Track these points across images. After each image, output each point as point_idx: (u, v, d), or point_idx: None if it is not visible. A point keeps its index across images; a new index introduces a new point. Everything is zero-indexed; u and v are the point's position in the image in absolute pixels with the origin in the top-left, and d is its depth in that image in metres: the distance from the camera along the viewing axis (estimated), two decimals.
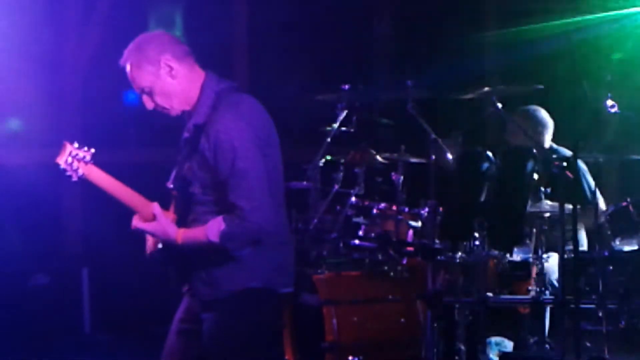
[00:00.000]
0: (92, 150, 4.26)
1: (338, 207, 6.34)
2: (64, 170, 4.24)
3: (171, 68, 4.21)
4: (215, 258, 4.16)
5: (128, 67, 4.24)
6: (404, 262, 6.01)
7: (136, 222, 4.23)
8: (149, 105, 4.27)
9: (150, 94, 4.23)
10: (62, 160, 4.24)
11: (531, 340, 6.14)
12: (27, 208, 8.05)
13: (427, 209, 5.83)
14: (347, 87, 6.51)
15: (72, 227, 8.58)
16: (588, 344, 5.86)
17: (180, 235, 4.16)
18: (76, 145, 4.26)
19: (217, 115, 4.16)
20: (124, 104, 8.47)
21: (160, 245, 4.25)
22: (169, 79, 4.22)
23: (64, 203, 8.48)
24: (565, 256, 5.49)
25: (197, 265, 4.22)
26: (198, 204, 4.22)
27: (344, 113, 6.51)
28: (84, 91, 8.54)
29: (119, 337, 8.07)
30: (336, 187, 6.47)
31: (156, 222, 4.18)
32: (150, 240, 4.34)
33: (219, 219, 4.10)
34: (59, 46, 8.46)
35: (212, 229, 4.09)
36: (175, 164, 4.33)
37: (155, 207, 4.19)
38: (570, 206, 5.40)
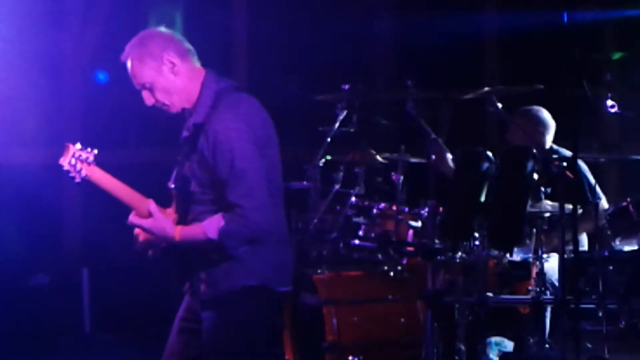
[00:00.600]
0: (95, 151, 4.27)
1: (338, 207, 6.34)
2: (67, 171, 4.25)
3: (173, 64, 4.22)
4: (214, 257, 4.17)
5: (129, 62, 4.24)
6: (404, 262, 6.01)
7: (132, 218, 4.23)
8: (149, 101, 4.27)
9: (151, 89, 4.23)
10: (65, 162, 4.24)
11: (531, 340, 6.13)
12: (28, 208, 8.04)
13: (427, 209, 5.83)
14: (347, 87, 6.51)
15: (72, 227, 8.57)
16: (588, 344, 5.86)
17: (178, 232, 4.17)
18: (79, 146, 4.26)
19: (216, 115, 4.16)
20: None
21: (162, 245, 4.26)
22: (171, 75, 4.22)
23: (64, 203, 8.48)
24: (565, 256, 5.49)
25: (196, 265, 4.23)
26: (197, 203, 4.23)
27: (344, 113, 6.51)
28: (84, 91, 8.54)
29: (119, 337, 8.07)
30: (336, 187, 6.47)
31: (152, 219, 4.18)
32: (140, 236, 4.34)
33: (218, 216, 4.10)
34: (59, 46, 8.46)
35: (211, 226, 4.10)
36: (176, 164, 4.33)
37: (151, 203, 4.20)
38: (570, 206, 5.40)
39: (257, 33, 9.04)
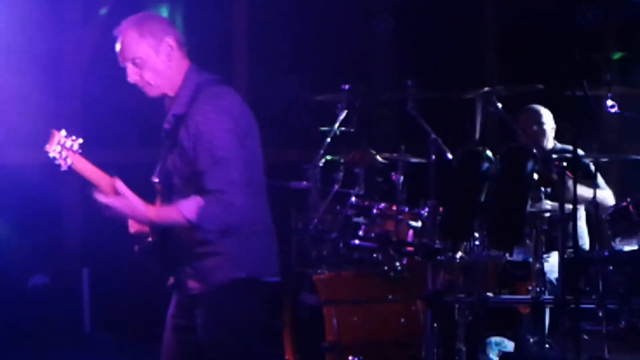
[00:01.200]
0: (80, 140, 4.27)
1: (338, 207, 6.34)
2: (54, 158, 4.25)
3: (171, 49, 4.27)
4: (199, 251, 4.18)
5: (124, 35, 4.25)
6: (404, 262, 6.00)
7: (98, 195, 4.15)
8: (133, 77, 4.27)
9: (140, 66, 4.24)
10: (51, 149, 4.24)
11: (531, 340, 6.13)
12: (27, 208, 8.04)
13: (427, 209, 5.83)
14: (347, 87, 6.52)
15: (72, 227, 8.57)
16: (588, 341, 5.86)
17: (154, 212, 4.14)
18: (64, 133, 4.26)
19: (197, 107, 4.19)
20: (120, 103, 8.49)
21: (150, 239, 4.25)
22: (166, 58, 4.26)
23: (64, 203, 8.47)
24: (565, 256, 5.48)
25: (182, 260, 4.24)
26: (180, 195, 4.22)
27: (344, 113, 6.52)
28: (84, 91, 8.54)
29: (119, 337, 8.06)
30: (336, 187, 6.47)
31: (121, 197, 4.14)
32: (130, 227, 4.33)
33: (197, 197, 4.10)
34: (59, 46, 8.46)
35: (189, 207, 4.08)
36: (159, 158, 4.34)
37: (117, 181, 4.16)
38: (570, 206, 5.40)
39: (257, 33, 9.04)
